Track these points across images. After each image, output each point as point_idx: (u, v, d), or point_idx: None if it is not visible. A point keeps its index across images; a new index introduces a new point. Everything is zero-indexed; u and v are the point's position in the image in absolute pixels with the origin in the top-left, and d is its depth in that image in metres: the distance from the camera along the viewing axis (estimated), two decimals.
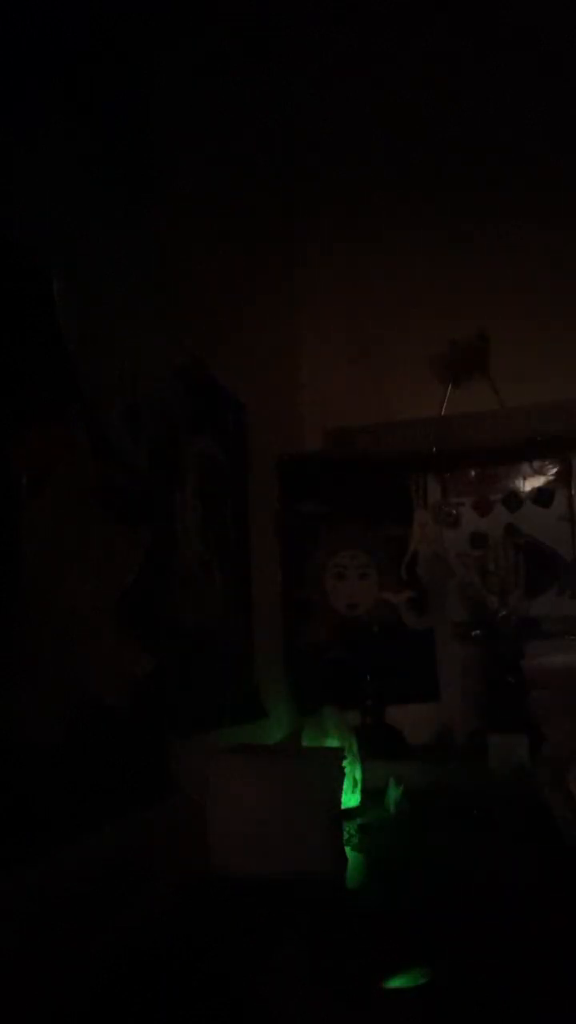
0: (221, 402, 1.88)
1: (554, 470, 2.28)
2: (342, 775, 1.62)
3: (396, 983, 1.04)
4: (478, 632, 2.22)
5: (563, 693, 1.89)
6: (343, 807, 1.61)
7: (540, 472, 2.29)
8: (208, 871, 1.41)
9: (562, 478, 2.27)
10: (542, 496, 2.28)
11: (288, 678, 2.27)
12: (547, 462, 2.29)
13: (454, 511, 2.34)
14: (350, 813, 1.74)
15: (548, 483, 2.28)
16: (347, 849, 1.53)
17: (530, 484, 2.30)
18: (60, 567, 1.16)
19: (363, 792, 1.84)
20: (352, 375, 2.53)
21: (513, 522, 2.28)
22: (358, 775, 1.84)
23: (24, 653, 1.07)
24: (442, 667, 2.26)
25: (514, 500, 2.30)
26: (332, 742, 1.82)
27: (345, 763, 1.67)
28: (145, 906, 1.26)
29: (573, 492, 2.25)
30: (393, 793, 1.80)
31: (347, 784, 1.73)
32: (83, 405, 1.25)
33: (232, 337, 2.00)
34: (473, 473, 2.35)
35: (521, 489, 2.30)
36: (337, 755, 1.62)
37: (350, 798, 1.78)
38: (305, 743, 1.87)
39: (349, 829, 1.65)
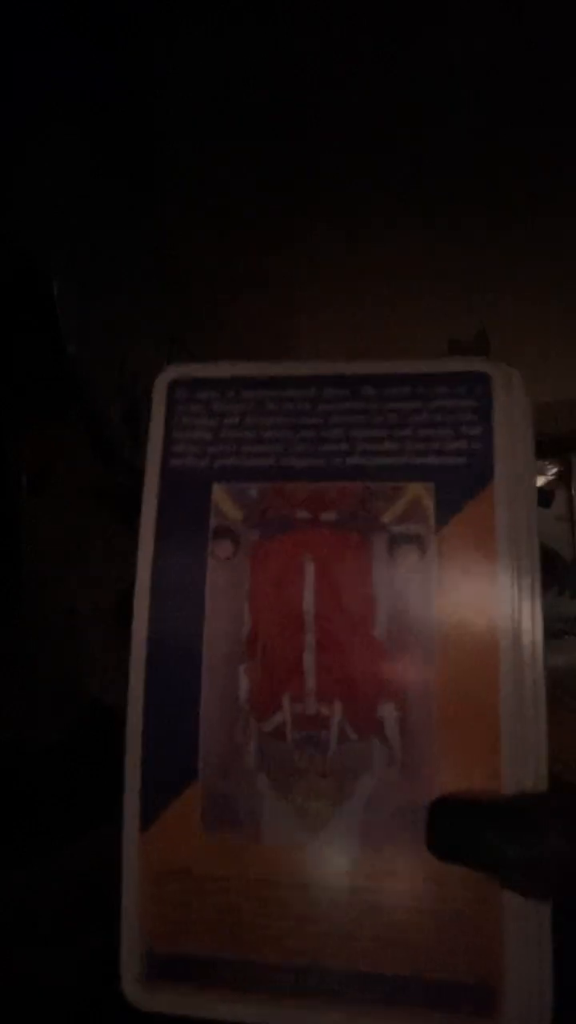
0: None
1: (554, 470, 2.28)
2: None
3: None
4: None
5: None
6: None
7: (540, 472, 2.29)
8: None
9: (562, 478, 2.27)
10: (542, 496, 2.28)
11: None
12: (547, 462, 2.29)
13: None
14: None
15: (548, 483, 2.28)
16: None
17: None
18: (60, 567, 1.16)
19: None
20: None
21: None
22: None
23: (24, 653, 1.07)
24: None
25: None
26: None
27: None
28: None
29: (573, 492, 2.25)
30: None
31: None
32: (83, 405, 1.25)
33: (232, 337, 2.00)
34: None
35: None
36: None
37: None
38: None
39: None
